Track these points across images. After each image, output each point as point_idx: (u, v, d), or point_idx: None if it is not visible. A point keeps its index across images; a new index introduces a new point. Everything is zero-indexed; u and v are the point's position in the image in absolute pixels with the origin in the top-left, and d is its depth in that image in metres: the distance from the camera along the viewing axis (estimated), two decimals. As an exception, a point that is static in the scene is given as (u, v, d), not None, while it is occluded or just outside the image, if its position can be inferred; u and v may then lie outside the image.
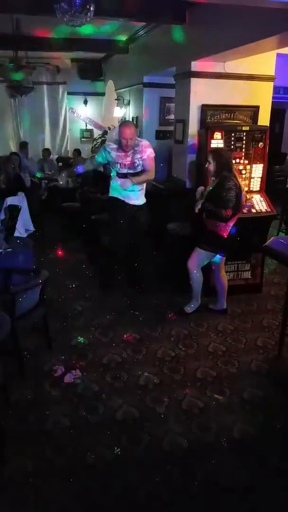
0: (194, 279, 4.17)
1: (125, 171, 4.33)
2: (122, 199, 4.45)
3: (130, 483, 2.43)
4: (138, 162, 4.30)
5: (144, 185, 4.53)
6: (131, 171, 4.32)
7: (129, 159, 4.29)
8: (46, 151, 9.48)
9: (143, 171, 4.35)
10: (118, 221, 4.49)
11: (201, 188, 4.08)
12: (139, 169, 4.33)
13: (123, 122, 4.40)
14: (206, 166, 4.01)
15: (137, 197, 4.49)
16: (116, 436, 2.76)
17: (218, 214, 3.83)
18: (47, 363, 3.49)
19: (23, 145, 9.12)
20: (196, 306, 4.33)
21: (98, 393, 3.17)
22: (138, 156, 4.29)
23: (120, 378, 3.35)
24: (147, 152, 4.30)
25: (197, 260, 4.08)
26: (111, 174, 4.53)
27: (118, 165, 4.32)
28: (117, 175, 4.40)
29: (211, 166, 3.93)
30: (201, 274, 4.17)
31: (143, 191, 4.55)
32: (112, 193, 4.54)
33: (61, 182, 8.28)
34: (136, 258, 4.74)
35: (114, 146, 4.33)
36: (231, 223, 3.92)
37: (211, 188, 3.96)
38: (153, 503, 2.32)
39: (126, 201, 4.46)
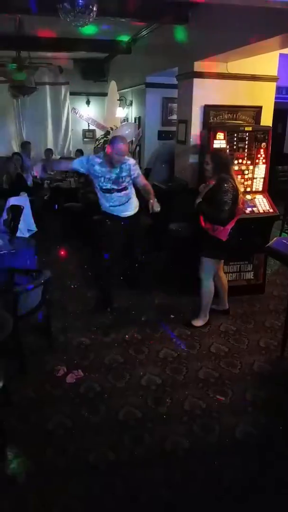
0: (205, 291, 4.03)
1: (109, 186, 4.15)
2: (116, 214, 4.28)
3: (132, 484, 2.42)
4: (123, 179, 4.15)
5: (134, 193, 4.36)
6: (115, 187, 4.15)
7: (113, 175, 4.12)
8: (49, 151, 9.48)
9: (139, 187, 4.26)
10: (114, 240, 4.29)
11: (204, 185, 4.02)
12: (123, 185, 4.17)
13: (118, 138, 4.14)
14: (204, 166, 3.93)
15: (129, 207, 4.32)
16: (118, 436, 2.75)
17: (213, 216, 3.76)
18: (49, 363, 3.49)
19: (24, 145, 9.13)
20: (205, 321, 4.17)
21: (100, 393, 3.17)
22: (125, 174, 4.13)
23: (122, 379, 3.34)
24: (136, 170, 4.21)
25: (206, 269, 3.98)
26: (96, 189, 4.31)
27: (102, 179, 4.13)
28: (100, 190, 4.21)
29: (209, 167, 3.85)
30: (213, 284, 4.06)
31: (134, 199, 4.37)
32: (105, 210, 4.34)
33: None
34: (133, 263, 4.65)
35: (99, 160, 4.12)
36: (229, 227, 3.81)
37: (209, 189, 3.87)
38: (155, 504, 2.32)
39: (120, 215, 4.29)
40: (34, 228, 6.29)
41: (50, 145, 10.28)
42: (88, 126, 10.80)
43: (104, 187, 4.17)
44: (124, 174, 4.13)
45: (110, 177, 4.12)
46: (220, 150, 4.29)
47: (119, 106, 8.52)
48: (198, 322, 4.15)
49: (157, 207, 4.01)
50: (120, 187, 4.17)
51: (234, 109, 4.82)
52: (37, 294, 3.50)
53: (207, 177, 4.00)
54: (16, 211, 4.90)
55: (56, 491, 2.36)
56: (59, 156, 10.18)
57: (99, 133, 10.47)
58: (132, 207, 4.37)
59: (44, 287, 3.53)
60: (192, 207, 3.93)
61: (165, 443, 2.71)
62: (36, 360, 3.50)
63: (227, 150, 4.51)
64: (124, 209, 4.30)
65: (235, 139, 4.56)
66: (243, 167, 4.65)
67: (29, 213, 6.10)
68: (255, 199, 4.68)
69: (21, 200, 5.83)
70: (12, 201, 5.47)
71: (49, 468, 2.51)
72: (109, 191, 4.18)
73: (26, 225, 5.89)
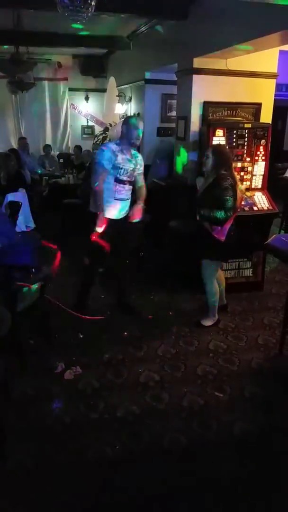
0: (210, 292, 4.00)
1: (125, 178, 3.86)
2: (117, 218, 3.95)
3: (130, 480, 2.43)
4: (134, 171, 3.93)
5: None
6: (129, 179, 3.90)
7: (131, 165, 3.88)
8: (47, 147, 9.45)
9: (136, 185, 4.01)
10: (112, 246, 3.92)
11: (200, 178, 4.00)
12: (133, 178, 3.94)
13: (134, 117, 3.87)
14: (204, 159, 3.86)
15: (128, 206, 4.02)
16: (117, 433, 2.76)
17: (212, 218, 3.68)
18: (48, 359, 3.49)
19: (21, 141, 9.08)
20: (214, 320, 4.13)
21: (98, 390, 3.17)
22: (138, 166, 3.95)
23: (120, 375, 3.34)
24: (142, 166, 4.05)
25: (208, 272, 3.94)
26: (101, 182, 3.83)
27: (122, 170, 3.81)
28: (115, 181, 3.84)
29: (208, 161, 3.76)
30: (217, 286, 4.03)
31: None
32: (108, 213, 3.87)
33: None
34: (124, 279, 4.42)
35: (118, 147, 3.80)
36: (227, 226, 3.75)
37: (206, 186, 3.80)
38: (153, 501, 2.32)
39: (119, 215, 3.99)
40: (32, 224, 6.26)
41: (48, 141, 10.24)
42: (87, 122, 10.79)
43: (120, 178, 3.84)
44: (138, 166, 3.95)
45: (129, 168, 3.85)
46: (222, 145, 4.22)
47: (118, 102, 8.49)
48: (207, 322, 4.12)
49: (138, 216, 3.86)
50: (131, 179, 3.94)
51: (233, 106, 4.81)
52: (36, 290, 3.49)
53: (204, 171, 3.94)
54: (14, 207, 4.88)
55: (55, 488, 2.36)
56: (57, 152, 10.15)
57: (98, 129, 10.46)
58: (128, 207, 4.06)
59: (42, 283, 3.52)
60: (191, 205, 3.90)
61: (164, 440, 2.71)
62: (34, 357, 3.50)
63: (227, 147, 4.50)
64: (125, 205, 4.01)
65: (235, 136, 4.55)
66: (243, 164, 4.63)
67: (27, 209, 6.07)
68: (255, 196, 4.67)
69: (19, 196, 5.80)
70: (10, 197, 5.44)
71: (48, 465, 2.51)
72: (123, 182, 3.88)
73: (25, 221, 5.86)
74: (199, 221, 3.85)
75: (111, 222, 3.84)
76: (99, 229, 3.75)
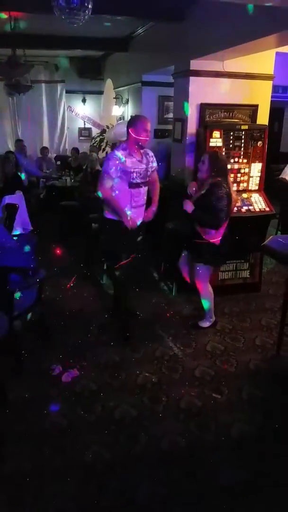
0: (205, 295, 3.99)
1: (138, 180, 3.65)
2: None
3: (128, 483, 2.42)
4: (149, 171, 3.76)
5: None
6: (143, 180, 3.70)
7: (143, 165, 3.67)
8: (45, 150, 9.46)
9: (149, 185, 3.85)
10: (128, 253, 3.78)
11: (193, 184, 3.94)
12: (147, 178, 3.76)
13: (137, 115, 3.74)
14: (199, 165, 3.81)
15: (143, 211, 3.85)
16: (114, 435, 2.75)
17: (210, 224, 3.68)
18: (45, 362, 3.47)
19: (18, 143, 9.08)
20: (211, 322, 4.12)
21: (96, 392, 3.16)
22: (150, 164, 3.75)
23: (118, 377, 3.34)
24: (155, 161, 3.84)
25: (201, 276, 3.93)
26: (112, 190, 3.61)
27: (134, 174, 3.61)
28: (129, 186, 3.63)
29: (204, 167, 3.72)
30: (211, 289, 4.01)
31: None
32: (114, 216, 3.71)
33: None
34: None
35: (124, 152, 3.59)
36: (221, 230, 3.74)
37: (202, 193, 3.72)
38: (151, 503, 2.31)
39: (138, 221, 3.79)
40: (29, 227, 6.25)
41: (45, 143, 10.26)
42: (84, 124, 10.81)
43: (134, 182, 3.64)
44: (150, 164, 3.76)
45: (141, 169, 3.66)
46: (219, 152, 4.12)
47: (115, 104, 8.51)
48: (204, 324, 4.12)
49: (149, 217, 3.82)
50: (146, 180, 3.75)
51: (230, 108, 4.81)
52: (33, 293, 3.49)
53: (198, 178, 3.87)
54: (11, 209, 4.87)
55: (52, 491, 2.35)
56: (54, 155, 10.15)
57: (95, 131, 10.49)
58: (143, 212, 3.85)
59: (39, 286, 3.51)
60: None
61: (161, 442, 2.71)
62: (31, 360, 3.49)
63: (223, 149, 4.52)
64: (140, 213, 3.80)
65: (231, 137, 4.56)
66: (239, 166, 4.64)
67: (24, 211, 6.07)
68: (251, 198, 4.68)
69: (16, 198, 5.79)
70: (7, 199, 5.43)
71: (45, 467, 2.50)
72: (138, 185, 3.68)
73: (22, 224, 5.85)
74: (192, 225, 3.84)
75: (130, 230, 3.67)
76: (131, 225, 3.62)
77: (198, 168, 3.89)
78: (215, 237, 3.75)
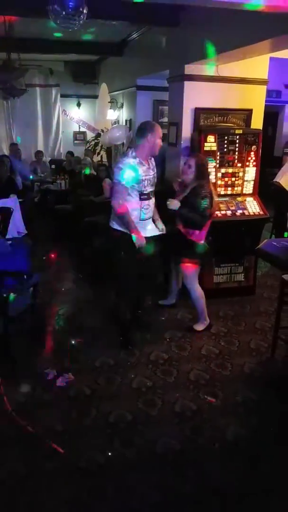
0: (195, 297, 4.00)
1: (149, 189, 3.55)
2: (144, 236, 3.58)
3: (122, 487, 2.41)
4: (155, 177, 3.69)
5: None
6: (152, 189, 3.60)
7: (151, 171, 3.58)
8: (39, 153, 9.45)
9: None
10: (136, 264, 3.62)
11: (179, 181, 4.02)
12: (154, 186, 3.67)
13: (151, 122, 3.67)
14: (185, 169, 3.89)
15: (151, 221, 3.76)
16: (109, 439, 2.74)
17: (193, 220, 3.78)
18: (39, 366, 3.46)
19: (12, 147, 9.06)
20: (205, 324, 4.12)
21: (90, 396, 3.15)
22: (155, 170, 3.67)
23: (112, 381, 3.33)
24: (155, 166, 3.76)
25: (189, 278, 3.97)
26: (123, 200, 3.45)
27: (146, 182, 3.51)
28: (140, 197, 3.51)
29: (190, 170, 3.83)
30: (201, 291, 4.01)
31: None
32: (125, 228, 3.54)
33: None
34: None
35: (135, 160, 3.46)
36: (204, 231, 3.87)
37: (185, 195, 3.83)
38: (146, 507, 2.30)
39: (147, 234, 3.63)
40: (24, 230, 6.24)
41: (40, 147, 10.25)
42: (79, 128, 10.83)
43: (145, 192, 3.52)
44: (155, 170, 3.66)
45: (150, 177, 3.55)
46: (204, 157, 4.16)
47: (110, 108, 8.53)
48: (199, 327, 4.12)
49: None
50: (153, 189, 3.66)
51: (224, 112, 4.84)
52: (27, 296, 3.48)
53: (183, 180, 3.95)
54: (6, 213, 4.86)
55: (46, 495, 2.34)
56: (49, 158, 10.15)
57: (90, 135, 10.50)
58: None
59: (34, 289, 3.51)
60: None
61: (156, 446, 2.70)
62: (25, 364, 3.47)
63: (218, 153, 4.55)
64: (150, 223, 3.72)
65: (226, 141, 4.59)
66: (234, 170, 4.67)
67: (19, 215, 6.05)
68: (246, 202, 4.70)
69: (11, 202, 5.78)
70: (1, 203, 5.42)
71: (39, 472, 2.48)
72: (149, 195, 3.57)
73: (16, 227, 5.84)
74: (176, 228, 3.91)
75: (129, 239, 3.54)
76: (141, 243, 3.48)
77: (182, 171, 4.01)
78: (199, 238, 3.85)
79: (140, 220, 3.56)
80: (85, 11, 3.46)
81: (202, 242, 3.88)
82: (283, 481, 2.50)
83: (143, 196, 3.52)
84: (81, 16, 3.48)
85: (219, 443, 2.75)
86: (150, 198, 3.61)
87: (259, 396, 3.22)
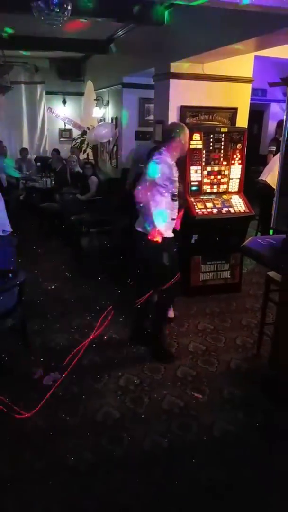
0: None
1: (176, 190, 3.52)
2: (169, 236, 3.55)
3: (111, 485, 2.41)
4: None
5: None
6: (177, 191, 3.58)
7: (177, 173, 3.55)
8: (24, 151, 9.37)
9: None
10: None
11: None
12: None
13: (182, 123, 3.62)
14: None
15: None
16: (97, 437, 2.74)
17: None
18: (26, 365, 3.44)
19: None
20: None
21: (77, 395, 3.14)
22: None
23: (100, 380, 3.33)
24: None
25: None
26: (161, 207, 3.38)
27: (176, 183, 3.50)
28: (172, 198, 3.45)
29: None
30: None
31: None
32: (169, 233, 3.51)
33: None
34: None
35: (171, 160, 3.40)
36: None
37: None
38: (135, 505, 2.31)
39: (172, 235, 3.61)
40: (9, 228, 6.18)
41: (25, 144, 10.17)
42: (65, 125, 10.76)
43: (175, 193, 3.48)
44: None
45: (178, 179, 3.54)
46: None
47: (96, 106, 8.50)
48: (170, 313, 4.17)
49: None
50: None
51: (210, 110, 4.86)
52: (13, 295, 3.45)
53: None
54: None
55: (35, 494, 2.33)
56: (34, 156, 10.08)
57: (76, 133, 10.45)
58: None
59: (19, 288, 3.48)
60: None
61: (144, 443, 2.71)
62: (12, 363, 3.45)
63: (203, 151, 4.57)
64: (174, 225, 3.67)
65: (211, 140, 4.61)
66: (219, 168, 4.69)
67: (3, 213, 5.99)
68: (231, 200, 4.74)
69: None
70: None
71: (28, 471, 2.47)
72: (177, 196, 3.54)
73: (1, 226, 5.78)
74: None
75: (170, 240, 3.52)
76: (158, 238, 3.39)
77: None
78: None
79: (171, 219, 3.53)
80: (69, 7, 3.45)
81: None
82: (270, 475, 2.53)
83: (174, 198, 3.47)
84: (65, 12, 3.47)
85: (206, 439, 2.77)
86: (178, 199, 3.58)
87: (245, 392, 3.26)
